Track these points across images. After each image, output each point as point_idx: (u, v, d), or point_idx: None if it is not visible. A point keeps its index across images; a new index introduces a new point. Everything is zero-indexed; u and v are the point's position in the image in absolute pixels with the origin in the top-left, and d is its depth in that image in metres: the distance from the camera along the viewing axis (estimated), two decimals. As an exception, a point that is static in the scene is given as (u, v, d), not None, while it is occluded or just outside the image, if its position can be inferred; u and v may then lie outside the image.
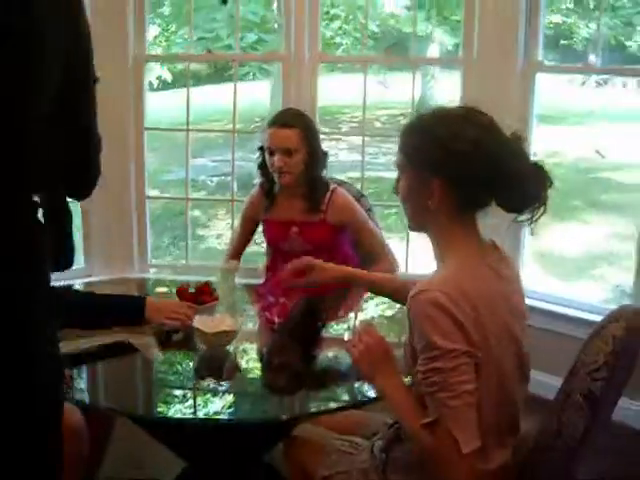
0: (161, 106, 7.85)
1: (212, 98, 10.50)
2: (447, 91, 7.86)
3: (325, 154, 3.03)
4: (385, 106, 10.44)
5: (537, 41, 3.60)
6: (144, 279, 3.86)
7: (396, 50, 10.37)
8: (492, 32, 3.58)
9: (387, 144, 7.96)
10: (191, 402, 2.14)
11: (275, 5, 10.06)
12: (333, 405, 2.16)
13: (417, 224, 1.85)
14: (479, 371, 1.64)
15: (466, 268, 1.72)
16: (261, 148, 2.99)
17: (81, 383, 2.21)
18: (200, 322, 2.24)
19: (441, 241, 1.79)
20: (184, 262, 4.37)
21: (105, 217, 3.91)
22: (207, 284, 2.56)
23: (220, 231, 7.84)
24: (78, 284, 3.22)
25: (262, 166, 3.00)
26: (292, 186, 2.96)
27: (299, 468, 2.16)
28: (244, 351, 2.38)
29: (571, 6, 10.15)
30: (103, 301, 2.45)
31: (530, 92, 3.61)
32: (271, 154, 2.92)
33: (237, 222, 3.30)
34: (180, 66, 11.95)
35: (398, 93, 8.61)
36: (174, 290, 2.60)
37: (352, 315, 2.78)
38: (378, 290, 2.36)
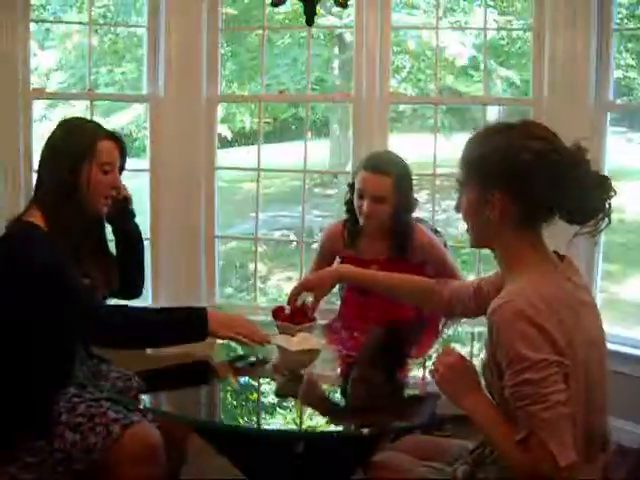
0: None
1: (269, 157, 10.65)
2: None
3: (416, 201, 2.93)
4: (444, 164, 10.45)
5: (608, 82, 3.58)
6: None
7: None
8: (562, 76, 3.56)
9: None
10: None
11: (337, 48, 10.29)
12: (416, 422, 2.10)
13: (480, 239, 1.82)
14: (568, 380, 1.58)
15: (542, 277, 1.68)
16: (351, 185, 2.91)
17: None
18: (281, 340, 2.19)
19: (508, 255, 1.76)
20: (252, 302, 4.33)
21: (174, 254, 3.93)
22: (304, 304, 2.47)
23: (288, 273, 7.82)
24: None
25: (349, 203, 2.93)
26: (375, 229, 2.89)
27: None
28: (324, 377, 2.30)
29: (633, 62, 10.07)
30: (161, 316, 2.34)
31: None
32: (360, 197, 2.83)
33: (314, 258, 3.16)
34: (240, 124, 12.27)
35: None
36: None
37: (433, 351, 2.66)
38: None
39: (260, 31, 4.15)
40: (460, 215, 1.83)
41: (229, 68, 9.60)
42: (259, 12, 4.43)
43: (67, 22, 11.38)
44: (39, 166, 2.33)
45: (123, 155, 2.41)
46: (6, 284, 2.17)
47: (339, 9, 2.76)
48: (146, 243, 3.93)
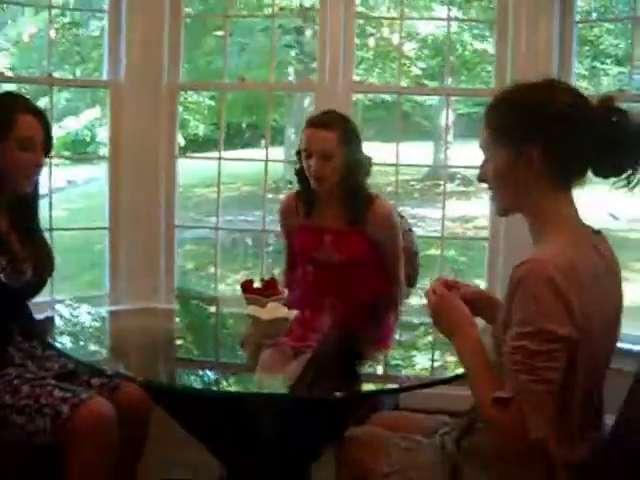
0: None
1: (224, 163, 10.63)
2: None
3: (368, 160, 2.84)
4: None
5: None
6: (171, 310, 3.76)
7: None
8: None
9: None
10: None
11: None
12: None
13: (512, 204, 1.75)
14: (575, 353, 1.54)
15: (571, 243, 1.63)
16: (298, 153, 2.81)
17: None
18: (253, 310, 2.15)
19: (539, 219, 1.70)
20: (212, 293, 4.25)
21: (133, 245, 3.84)
22: (273, 278, 2.46)
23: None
24: (103, 312, 3.14)
25: (299, 172, 2.83)
26: (329, 193, 2.78)
27: (353, 469, 2.01)
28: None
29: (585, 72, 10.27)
30: None
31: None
32: (308, 157, 2.73)
33: (281, 238, 3.08)
34: (194, 131, 12.18)
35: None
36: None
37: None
38: None
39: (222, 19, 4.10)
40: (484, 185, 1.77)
41: (189, 58, 9.51)
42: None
43: (26, 4, 11.05)
44: None
45: (47, 133, 2.29)
46: None
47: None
48: (105, 232, 3.92)
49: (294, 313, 2.27)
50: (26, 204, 2.34)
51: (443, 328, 1.77)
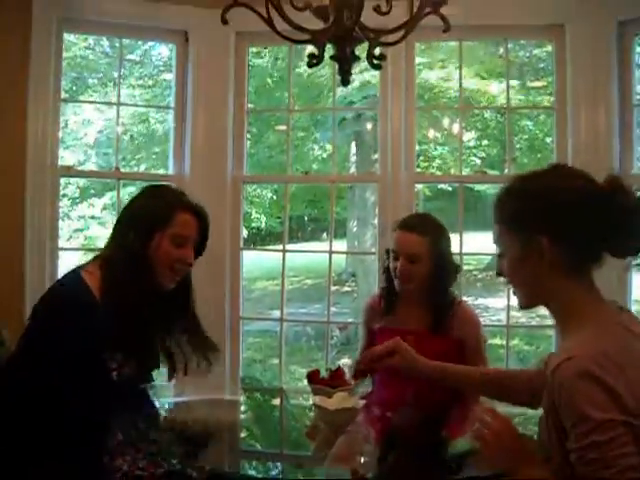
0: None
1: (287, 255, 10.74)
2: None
3: (456, 267, 2.87)
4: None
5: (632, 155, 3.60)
6: (236, 401, 3.74)
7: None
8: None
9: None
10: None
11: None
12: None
13: (530, 296, 1.74)
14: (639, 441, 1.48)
15: (601, 330, 1.59)
16: (388, 251, 2.85)
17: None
18: (320, 400, 2.12)
19: (563, 307, 1.68)
20: (277, 384, 4.22)
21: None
22: (340, 368, 2.42)
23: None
24: (167, 403, 3.13)
25: (386, 270, 2.86)
26: (412, 295, 2.80)
27: None
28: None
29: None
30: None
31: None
32: (395, 259, 2.78)
33: (362, 336, 3.05)
34: (256, 223, 12.34)
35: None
36: None
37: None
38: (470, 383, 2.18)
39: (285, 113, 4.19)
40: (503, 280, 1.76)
41: (253, 153, 9.72)
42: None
43: (96, 102, 11.49)
44: (114, 227, 2.28)
45: (203, 233, 2.33)
46: (38, 343, 2.12)
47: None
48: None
49: (362, 403, 2.24)
50: (166, 306, 2.32)
51: (503, 466, 1.68)
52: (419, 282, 2.75)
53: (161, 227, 2.19)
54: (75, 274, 2.20)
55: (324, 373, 2.43)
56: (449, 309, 2.79)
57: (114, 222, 2.34)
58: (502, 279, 1.78)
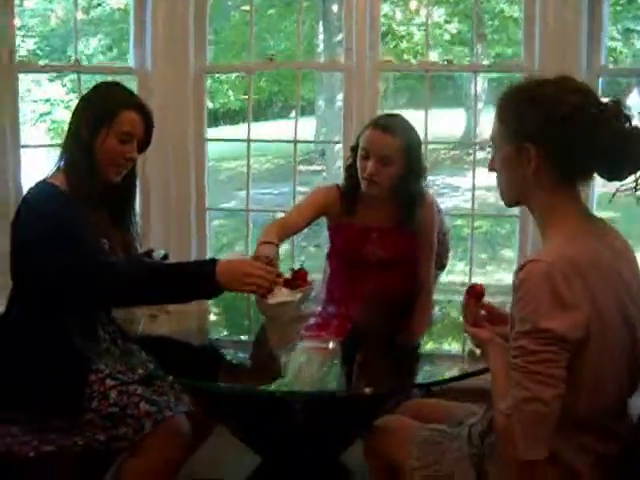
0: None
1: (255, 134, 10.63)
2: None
3: (425, 169, 2.80)
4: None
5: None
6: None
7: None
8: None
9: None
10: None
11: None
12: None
13: (514, 196, 1.78)
14: (584, 349, 1.55)
15: (572, 239, 1.64)
16: (354, 148, 2.76)
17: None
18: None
19: (542, 214, 1.72)
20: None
21: (165, 229, 3.87)
22: (302, 269, 2.45)
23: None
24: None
25: (350, 168, 2.77)
26: (377, 197, 2.75)
27: (383, 461, 2.06)
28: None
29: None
30: (175, 269, 2.25)
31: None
32: (365, 157, 2.68)
33: (301, 203, 2.91)
34: (224, 100, 12.14)
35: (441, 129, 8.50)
36: None
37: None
38: None
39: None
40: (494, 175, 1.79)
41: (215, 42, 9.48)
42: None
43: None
44: (69, 122, 2.33)
45: (148, 130, 2.36)
46: (23, 239, 2.18)
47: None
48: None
49: (299, 295, 2.32)
50: (121, 195, 2.41)
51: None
52: (387, 184, 2.70)
53: (107, 124, 2.25)
54: (42, 182, 2.27)
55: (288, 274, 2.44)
56: (419, 207, 2.77)
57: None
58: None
